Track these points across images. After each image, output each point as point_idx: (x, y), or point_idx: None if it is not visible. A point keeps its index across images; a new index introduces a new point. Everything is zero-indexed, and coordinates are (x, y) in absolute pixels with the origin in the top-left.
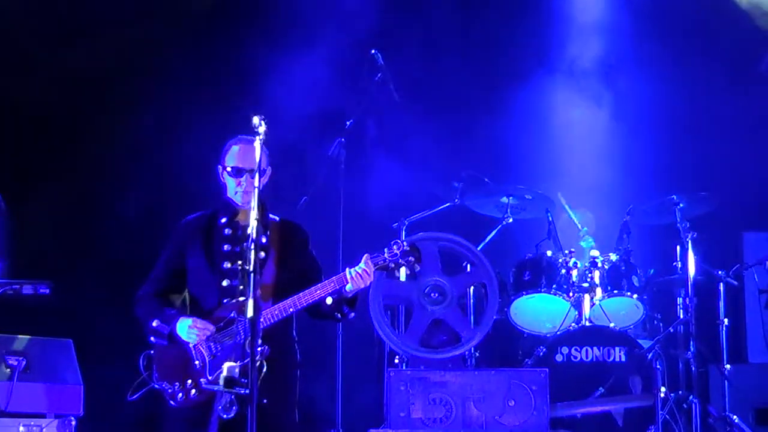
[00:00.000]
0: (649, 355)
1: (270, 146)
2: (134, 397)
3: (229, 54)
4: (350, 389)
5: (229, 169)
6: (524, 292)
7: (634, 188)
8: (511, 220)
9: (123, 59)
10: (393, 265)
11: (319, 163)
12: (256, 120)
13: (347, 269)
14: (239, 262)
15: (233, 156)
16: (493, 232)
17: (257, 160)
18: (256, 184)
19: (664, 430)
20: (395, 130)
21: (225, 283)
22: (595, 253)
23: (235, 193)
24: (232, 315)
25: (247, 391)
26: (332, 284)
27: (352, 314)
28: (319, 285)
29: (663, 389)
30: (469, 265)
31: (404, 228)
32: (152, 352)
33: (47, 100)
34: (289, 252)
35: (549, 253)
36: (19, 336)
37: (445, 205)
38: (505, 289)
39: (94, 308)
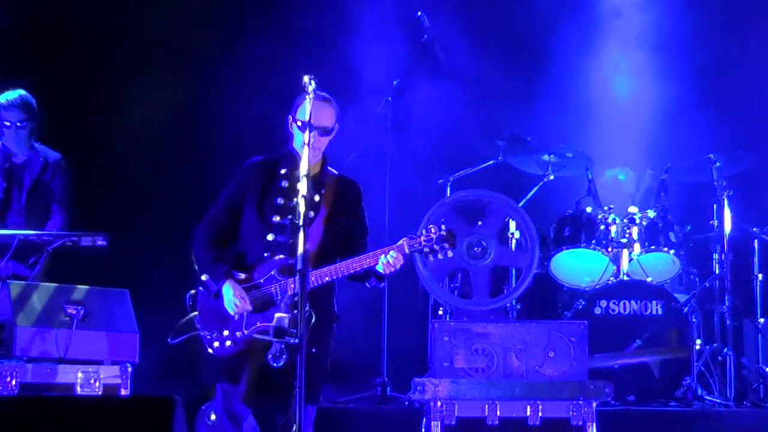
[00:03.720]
0: (685, 309)
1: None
2: (175, 341)
3: (282, 16)
4: (395, 340)
5: (299, 123)
6: (564, 247)
7: (672, 147)
8: (552, 177)
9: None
10: (428, 250)
11: (367, 120)
12: (306, 79)
13: (382, 255)
14: (289, 217)
15: (306, 111)
16: (535, 189)
17: (332, 119)
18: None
19: (699, 381)
20: (440, 89)
21: (270, 237)
22: (633, 209)
23: (302, 146)
24: (272, 272)
25: (297, 341)
26: (368, 260)
27: (382, 284)
28: (356, 259)
29: (698, 342)
30: (514, 241)
31: (449, 184)
32: (198, 292)
33: (103, 59)
34: (339, 209)
35: (588, 209)
36: (78, 286)
37: (488, 163)
38: (545, 244)
39: (149, 259)
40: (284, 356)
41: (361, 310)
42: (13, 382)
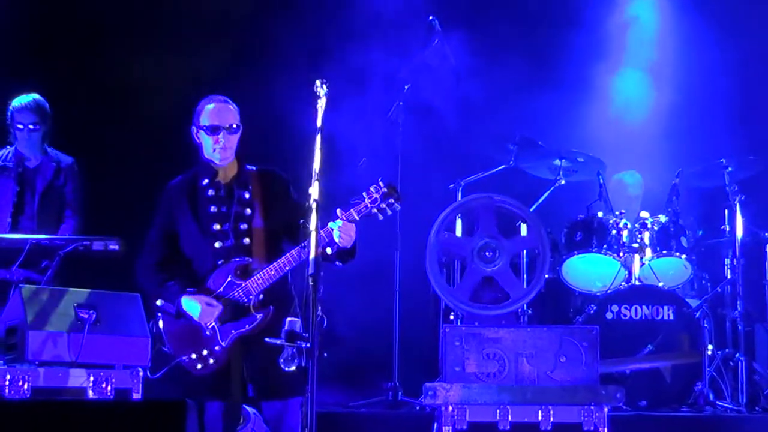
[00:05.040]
0: (697, 314)
1: (331, 108)
2: (156, 375)
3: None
4: (407, 344)
5: (203, 128)
6: (576, 252)
7: (683, 151)
8: (563, 182)
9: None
10: (376, 210)
11: (377, 125)
12: (317, 83)
13: (331, 228)
14: (300, 221)
15: (208, 114)
16: (546, 194)
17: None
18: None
19: (710, 386)
20: (451, 93)
21: (217, 245)
22: (644, 214)
23: (213, 150)
24: (228, 278)
25: (308, 345)
26: (322, 238)
27: (353, 259)
28: (302, 246)
29: (710, 347)
30: (523, 228)
31: (460, 189)
32: (160, 320)
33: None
34: (271, 200)
35: (600, 214)
36: (90, 290)
37: (499, 167)
38: (557, 249)
39: None
40: (296, 360)
41: (372, 315)
42: (25, 386)
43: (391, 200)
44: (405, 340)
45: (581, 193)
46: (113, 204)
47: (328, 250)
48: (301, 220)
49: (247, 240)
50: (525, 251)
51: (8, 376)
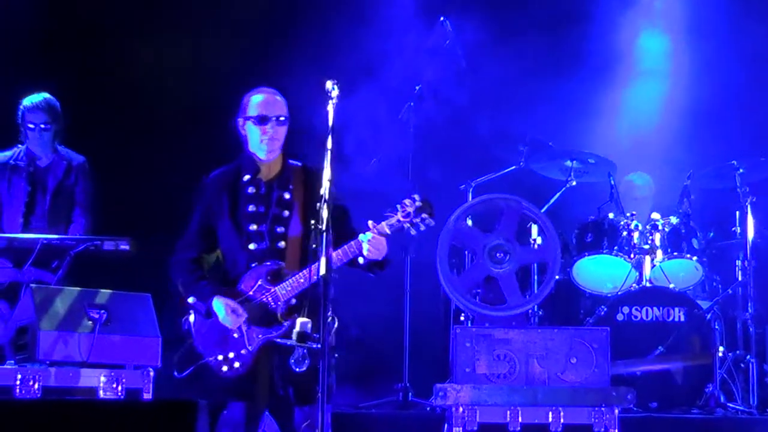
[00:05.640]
0: (708, 316)
1: (342, 108)
2: (182, 374)
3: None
4: (417, 345)
5: (252, 119)
6: (586, 253)
7: (694, 153)
8: (574, 183)
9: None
10: (408, 225)
11: (388, 126)
12: (329, 84)
13: (361, 241)
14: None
15: (257, 105)
16: (557, 195)
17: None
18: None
19: (721, 388)
20: (463, 94)
21: (252, 246)
22: (655, 216)
23: (261, 141)
24: (259, 282)
25: (319, 346)
26: (352, 249)
27: (383, 270)
28: (340, 250)
29: (721, 349)
30: (536, 244)
31: (471, 190)
32: (191, 318)
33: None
34: (312, 200)
35: (611, 215)
36: (101, 290)
37: (510, 168)
38: (567, 250)
39: None
40: (307, 361)
41: (383, 316)
42: (36, 386)
43: (425, 215)
44: (415, 341)
45: (592, 195)
46: (124, 203)
47: (360, 260)
48: (313, 245)
49: (282, 244)
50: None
51: (19, 376)
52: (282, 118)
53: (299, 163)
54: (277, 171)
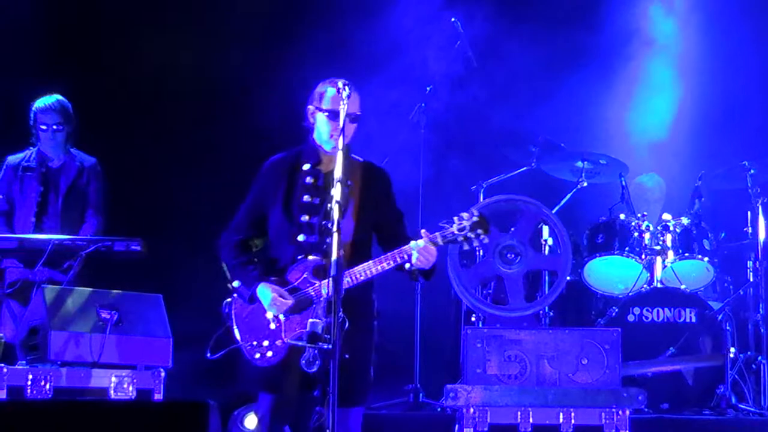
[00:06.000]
0: (719, 317)
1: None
2: (215, 356)
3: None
4: (428, 346)
5: (326, 112)
6: (598, 254)
7: (705, 154)
8: (585, 184)
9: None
10: (462, 239)
11: (400, 127)
12: (340, 84)
13: (412, 248)
14: (323, 222)
15: (331, 99)
16: (568, 196)
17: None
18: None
19: (732, 389)
20: (473, 95)
21: (301, 238)
22: (667, 216)
23: (330, 137)
24: (305, 275)
25: (330, 347)
26: (401, 255)
27: (428, 280)
28: (390, 255)
29: (732, 350)
30: (547, 245)
31: (482, 191)
32: (233, 301)
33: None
34: (369, 198)
35: (622, 216)
36: (112, 291)
37: (521, 169)
38: (578, 251)
39: (183, 264)
40: (317, 362)
41: (394, 317)
42: (48, 387)
43: (480, 231)
44: (426, 341)
45: (603, 196)
46: (135, 204)
47: (406, 266)
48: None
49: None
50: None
51: (30, 376)
52: (354, 116)
53: (361, 160)
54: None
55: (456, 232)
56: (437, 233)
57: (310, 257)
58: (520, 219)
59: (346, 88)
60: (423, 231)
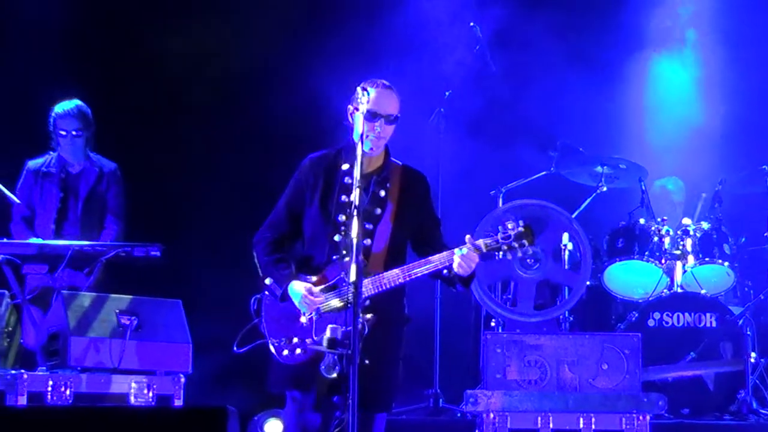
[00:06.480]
0: (740, 322)
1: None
2: (241, 350)
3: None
4: (448, 351)
5: (364, 112)
6: (617, 259)
7: (726, 158)
8: (605, 188)
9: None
10: (506, 248)
11: (419, 132)
12: (359, 90)
13: (455, 253)
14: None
15: (368, 99)
16: (588, 201)
17: (395, 106)
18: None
19: (753, 394)
20: (492, 100)
21: (337, 237)
22: (687, 221)
23: (367, 137)
24: (341, 275)
25: (349, 352)
26: (442, 261)
27: (467, 288)
28: (429, 259)
29: (753, 355)
30: (567, 252)
31: (501, 195)
32: (263, 297)
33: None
34: (407, 203)
35: (642, 221)
36: (131, 296)
37: (540, 174)
38: (598, 256)
39: (202, 269)
40: (337, 367)
41: (413, 322)
42: (68, 392)
43: (524, 242)
44: (446, 347)
45: (623, 200)
46: (155, 209)
47: (444, 271)
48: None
49: (368, 241)
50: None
51: (51, 382)
52: (393, 116)
53: (400, 163)
54: (377, 166)
55: (501, 240)
56: (481, 240)
57: (346, 258)
58: (548, 227)
59: (369, 89)
60: (468, 237)
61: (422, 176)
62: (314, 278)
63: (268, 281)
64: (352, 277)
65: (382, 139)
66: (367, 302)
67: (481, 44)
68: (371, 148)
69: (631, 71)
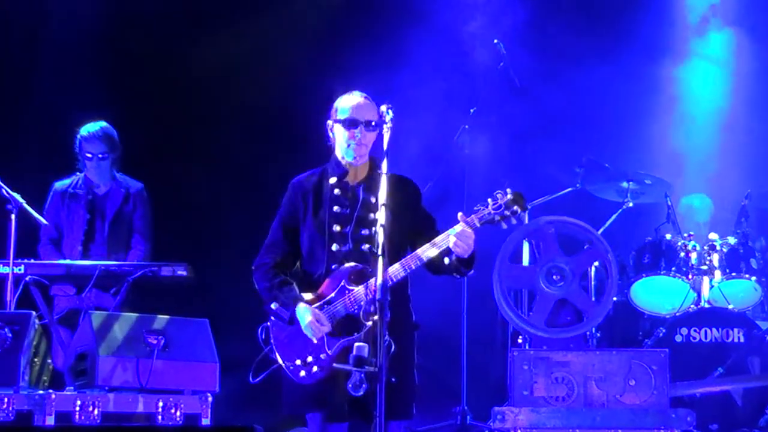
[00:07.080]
0: None
1: (398, 132)
2: (256, 380)
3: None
4: (475, 368)
5: (341, 122)
6: (644, 275)
7: (752, 172)
8: (631, 204)
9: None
10: (499, 218)
11: (444, 149)
12: (383, 108)
13: (450, 233)
14: (366, 246)
15: (346, 109)
16: (614, 217)
17: (374, 113)
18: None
19: None
20: (517, 116)
21: (334, 247)
22: (713, 236)
23: (348, 146)
24: (342, 283)
25: (376, 369)
26: (439, 243)
27: (471, 272)
28: (427, 245)
29: None
30: (587, 245)
31: (526, 212)
32: (269, 324)
33: (184, 88)
34: (399, 208)
35: (668, 236)
36: (158, 316)
37: (566, 190)
38: (625, 272)
39: (229, 289)
40: (364, 385)
41: (440, 338)
42: (96, 412)
43: (516, 208)
44: (473, 363)
45: (649, 216)
46: (181, 229)
47: (446, 261)
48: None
49: (366, 246)
50: (593, 271)
51: (79, 402)
52: (372, 123)
53: (387, 172)
54: (364, 175)
55: (492, 211)
56: (473, 215)
57: (346, 265)
58: (584, 252)
59: (345, 98)
60: (459, 214)
61: (410, 180)
62: (312, 295)
63: (274, 306)
64: (378, 295)
65: (364, 146)
66: (371, 308)
67: (505, 61)
68: (355, 157)
69: (657, 85)
